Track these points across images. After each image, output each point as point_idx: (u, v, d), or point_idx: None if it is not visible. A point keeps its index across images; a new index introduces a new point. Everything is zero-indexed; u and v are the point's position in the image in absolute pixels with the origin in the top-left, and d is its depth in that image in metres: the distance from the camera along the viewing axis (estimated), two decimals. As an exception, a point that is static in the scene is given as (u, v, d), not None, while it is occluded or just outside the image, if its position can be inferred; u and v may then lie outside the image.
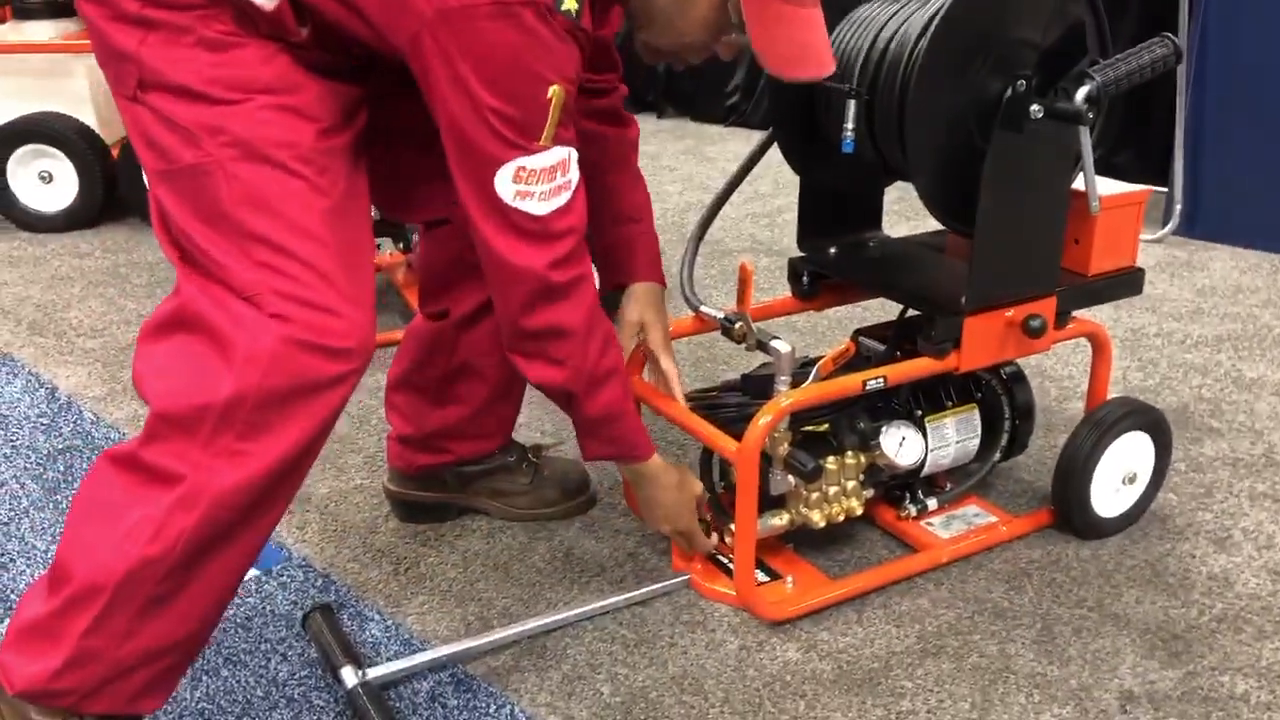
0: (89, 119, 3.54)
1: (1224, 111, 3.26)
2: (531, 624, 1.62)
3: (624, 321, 1.74)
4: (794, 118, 1.78)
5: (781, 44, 1.43)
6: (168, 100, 1.28)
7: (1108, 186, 1.76)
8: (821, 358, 1.68)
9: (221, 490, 1.21)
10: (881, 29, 1.68)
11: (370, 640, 1.62)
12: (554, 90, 1.34)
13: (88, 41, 3.51)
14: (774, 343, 1.67)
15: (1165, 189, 3.38)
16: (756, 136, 1.80)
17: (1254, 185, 3.25)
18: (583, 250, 1.46)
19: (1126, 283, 1.83)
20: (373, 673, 1.49)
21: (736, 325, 1.73)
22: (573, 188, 1.42)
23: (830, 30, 1.75)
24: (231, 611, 1.68)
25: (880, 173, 1.87)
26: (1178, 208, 3.34)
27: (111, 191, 3.53)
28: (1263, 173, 3.23)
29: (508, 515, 1.92)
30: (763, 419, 1.55)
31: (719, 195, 1.86)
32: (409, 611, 1.68)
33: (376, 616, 1.67)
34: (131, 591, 1.22)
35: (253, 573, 1.78)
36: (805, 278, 1.90)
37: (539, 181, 1.37)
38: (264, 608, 1.69)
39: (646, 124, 5.20)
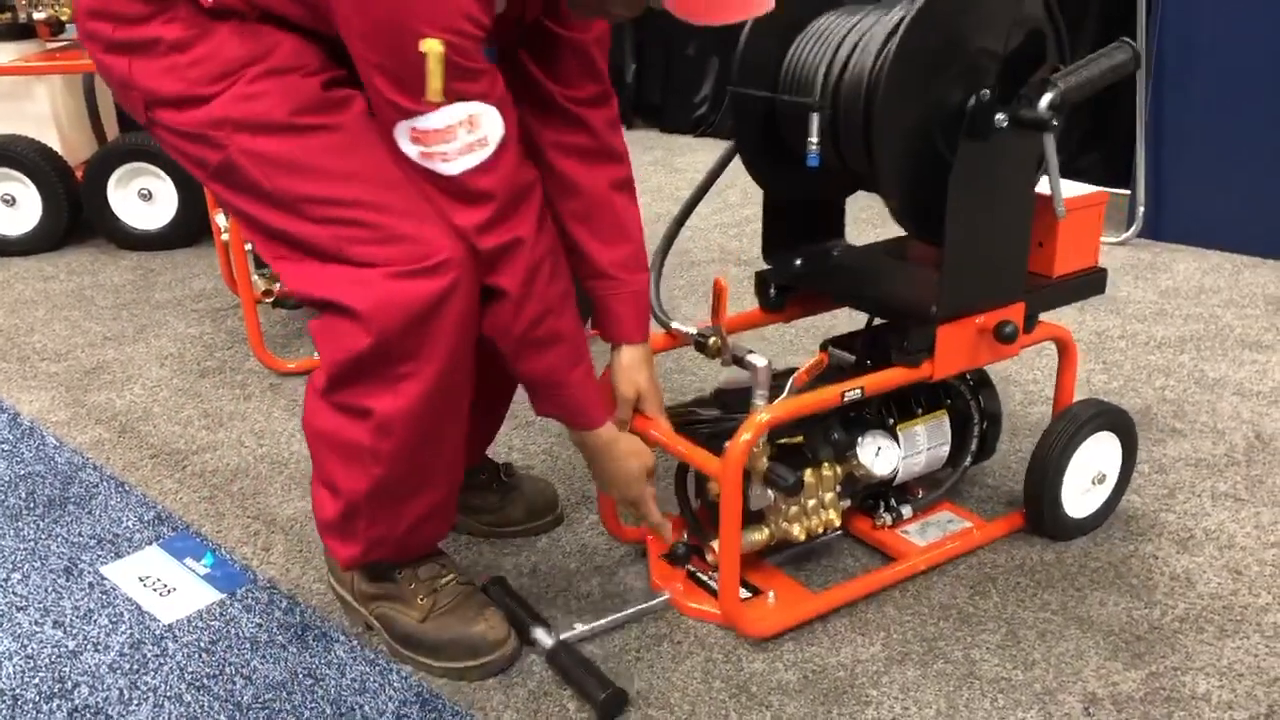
0: (52, 141, 3.52)
1: (1184, 114, 3.30)
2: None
3: (619, 397, 1.67)
4: (756, 130, 1.78)
5: None
6: (171, 113, 1.38)
7: (1068, 189, 1.78)
8: (794, 370, 1.68)
9: (405, 410, 1.40)
10: (841, 42, 1.68)
11: (336, 661, 1.61)
12: (429, 44, 1.25)
13: (50, 64, 3.52)
14: (750, 357, 1.66)
15: (1128, 192, 3.42)
16: (725, 147, 1.81)
17: (1215, 187, 3.29)
18: (513, 213, 1.38)
19: (1090, 283, 1.85)
20: (565, 634, 1.61)
21: (711, 340, 1.72)
22: (491, 145, 1.33)
23: (787, 43, 1.77)
24: (194, 636, 1.67)
25: (844, 183, 1.88)
26: (1140, 210, 3.37)
27: (76, 214, 3.51)
28: (1223, 174, 3.27)
29: (472, 531, 1.92)
30: (744, 435, 1.54)
31: (683, 209, 1.86)
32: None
33: (341, 638, 1.66)
34: (381, 498, 1.50)
35: (216, 596, 1.77)
36: (772, 290, 1.90)
37: (439, 142, 1.31)
38: (228, 631, 1.68)
39: (616, 136, 5.22)
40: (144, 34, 1.35)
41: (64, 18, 3.58)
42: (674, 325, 1.80)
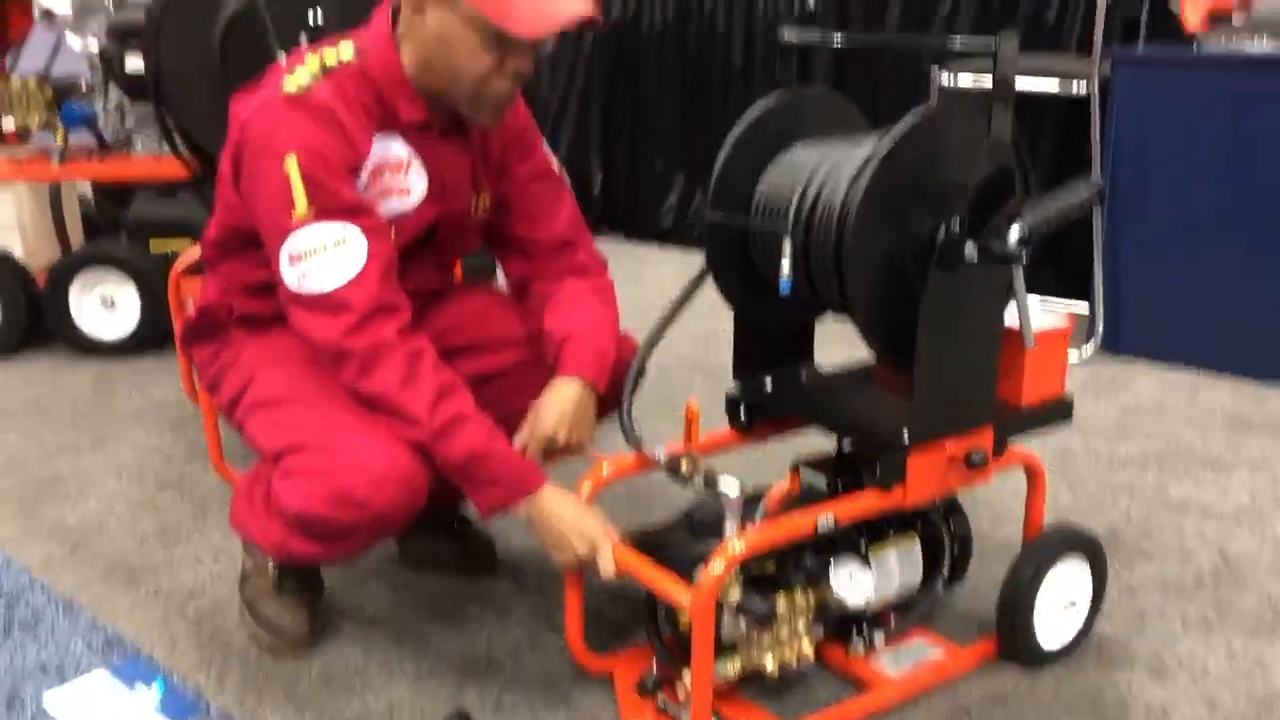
0: (15, 247, 3.49)
1: (1139, 230, 3.38)
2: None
3: (535, 430, 1.75)
4: (729, 254, 1.80)
5: (524, 12, 1.55)
6: (224, 389, 1.84)
7: (1034, 317, 1.80)
8: (765, 489, 1.66)
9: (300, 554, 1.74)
10: (813, 172, 1.71)
11: (290, 801, 1.54)
12: (290, 160, 1.54)
13: (18, 172, 3.50)
14: (722, 484, 1.65)
15: (1085, 301, 3.48)
16: (693, 256, 1.83)
17: (1171, 303, 3.36)
18: (376, 321, 1.58)
19: (1057, 412, 1.87)
20: None
21: (683, 466, 1.71)
22: (360, 261, 1.56)
23: (760, 170, 1.80)
24: (142, 773, 1.60)
25: (815, 306, 1.89)
26: (1099, 327, 3.43)
27: (36, 321, 3.46)
28: (1179, 290, 3.34)
29: (418, 562, 2.15)
30: (716, 569, 1.51)
31: (653, 333, 1.86)
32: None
33: (297, 774, 1.60)
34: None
35: (167, 729, 1.70)
36: (743, 412, 1.90)
37: (310, 258, 1.55)
38: (178, 767, 1.61)
39: (583, 245, 5.27)
40: (212, 372, 1.85)
41: (33, 125, 3.58)
42: (645, 448, 1.79)
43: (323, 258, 1.54)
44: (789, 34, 1.83)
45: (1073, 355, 3.41)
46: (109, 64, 3.46)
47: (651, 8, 5.04)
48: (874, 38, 1.81)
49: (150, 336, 3.47)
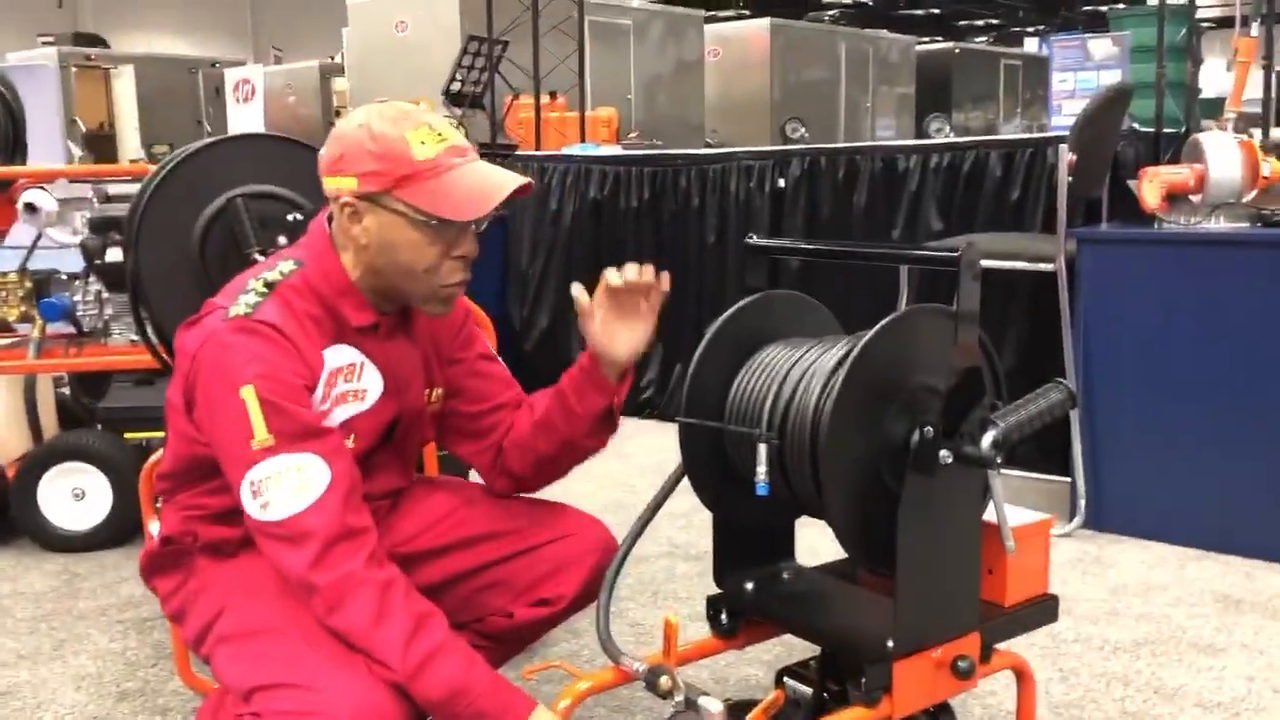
0: (-15, 439, 3.45)
1: (1116, 407, 3.39)
2: None
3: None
4: (705, 457, 1.80)
5: (458, 197, 1.60)
6: (191, 621, 1.75)
7: (1013, 515, 1.78)
8: (749, 703, 1.61)
9: None
10: (786, 375, 1.72)
11: None
12: (245, 390, 1.51)
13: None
14: (703, 701, 1.59)
15: (1068, 477, 3.46)
16: (672, 429, 1.81)
17: (1152, 479, 3.34)
18: (340, 549, 1.52)
19: (1042, 611, 1.84)
20: None
21: (661, 680, 1.65)
22: (321, 486, 1.52)
23: (733, 373, 1.81)
24: None
25: (793, 508, 1.88)
26: (1081, 503, 3.41)
27: (2, 515, 3.39)
28: (1159, 468, 3.33)
29: None
30: None
31: (629, 539, 1.86)
32: None
33: None
34: None
35: None
36: (724, 616, 1.85)
37: (272, 489, 1.51)
38: None
39: (562, 418, 5.25)
40: (178, 603, 1.76)
41: (11, 319, 3.58)
42: (622, 660, 1.73)
43: (283, 485, 1.52)
44: (756, 241, 1.87)
45: (1056, 530, 3.37)
46: (90, 255, 3.50)
47: (629, 187, 5.19)
48: (836, 249, 1.88)
49: (119, 527, 3.39)
